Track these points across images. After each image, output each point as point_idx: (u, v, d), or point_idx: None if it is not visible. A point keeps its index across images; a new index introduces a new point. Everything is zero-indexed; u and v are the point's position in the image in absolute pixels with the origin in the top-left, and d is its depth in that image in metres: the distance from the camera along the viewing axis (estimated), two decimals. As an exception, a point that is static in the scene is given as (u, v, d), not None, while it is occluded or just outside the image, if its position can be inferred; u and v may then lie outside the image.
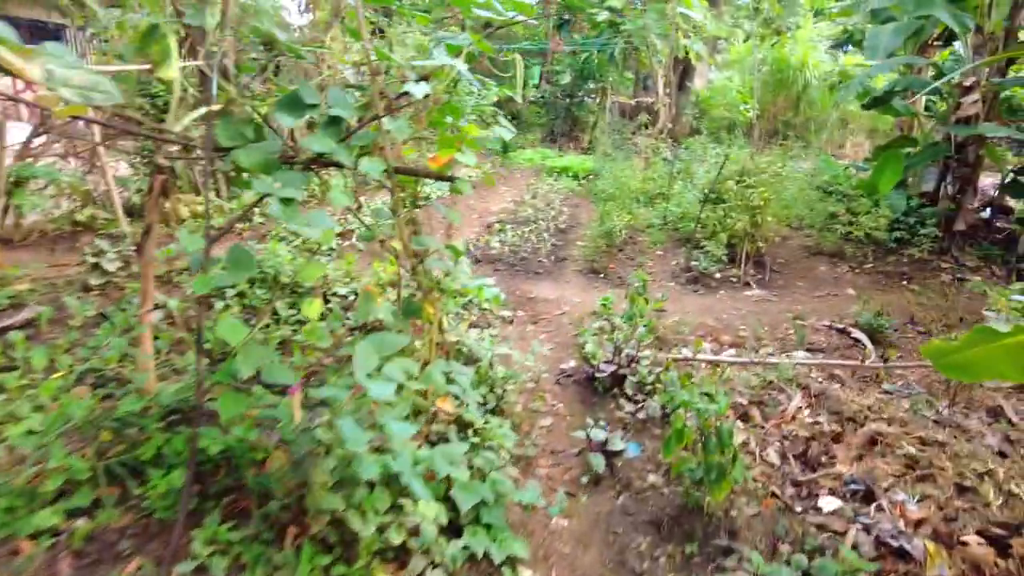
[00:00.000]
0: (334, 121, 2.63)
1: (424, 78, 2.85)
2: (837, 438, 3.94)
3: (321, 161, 2.70)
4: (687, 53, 17.26)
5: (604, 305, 5.65)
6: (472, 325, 5.09)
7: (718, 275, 7.24)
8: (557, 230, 8.81)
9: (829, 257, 8.23)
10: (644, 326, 4.28)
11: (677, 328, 5.64)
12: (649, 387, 3.98)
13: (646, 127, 13.80)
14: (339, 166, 2.69)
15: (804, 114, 24.74)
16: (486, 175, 3.62)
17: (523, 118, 21.35)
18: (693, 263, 7.36)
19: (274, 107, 2.58)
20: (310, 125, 2.74)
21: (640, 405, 3.83)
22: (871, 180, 7.50)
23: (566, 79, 20.94)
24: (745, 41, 23.52)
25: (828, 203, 8.81)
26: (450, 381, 3.18)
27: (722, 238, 7.49)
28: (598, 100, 20.34)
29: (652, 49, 16.72)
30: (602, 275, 7.10)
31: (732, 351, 5.33)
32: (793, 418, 4.15)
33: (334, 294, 5.21)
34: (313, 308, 2.80)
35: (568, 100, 19.36)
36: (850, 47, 26.14)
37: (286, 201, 2.39)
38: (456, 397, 3.27)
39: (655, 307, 4.95)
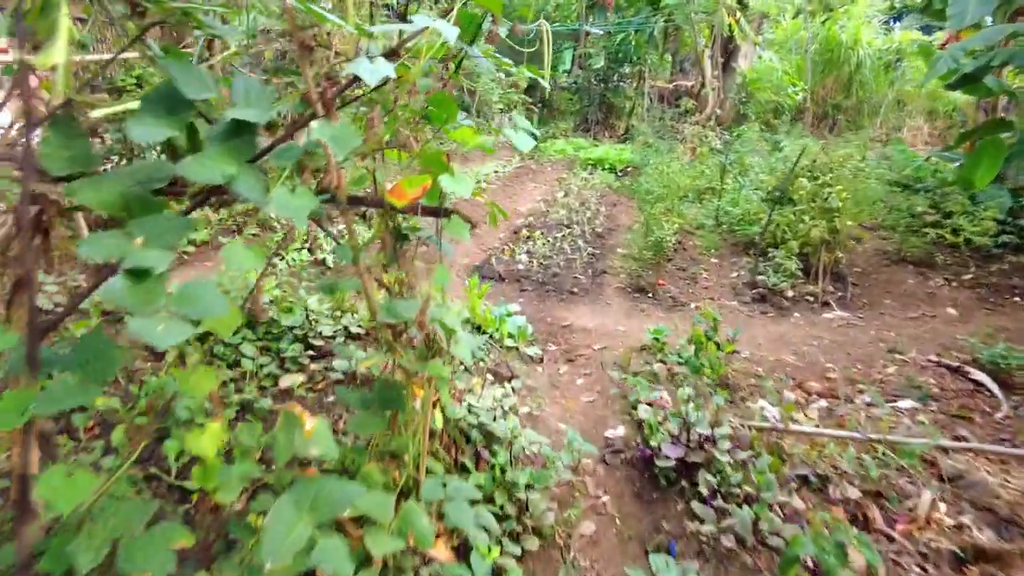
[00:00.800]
0: (239, 129, 1.58)
1: (394, 53, 1.78)
2: (998, 557, 2.80)
3: (217, 194, 1.66)
4: (732, 31, 15.87)
5: (656, 339, 4.55)
6: (490, 372, 4.03)
7: (790, 292, 6.05)
8: (594, 235, 7.68)
9: (916, 266, 6.95)
10: (718, 397, 3.16)
11: (749, 368, 4.51)
12: (734, 487, 2.87)
13: (689, 113, 12.49)
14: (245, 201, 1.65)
15: (856, 96, 23.07)
16: (491, 210, 2.44)
17: (554, 105, 20.14)
18: (760, 277, 6.18)
19: (133, 111, 1.53)
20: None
21: (721, 516, 2.72)
22: (965, 173, 6.22)
23: (599, 63, 19.67)
24: (794, 18, 21.86)
25: (912, 201, 7.50)
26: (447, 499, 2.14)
27: (792, 246, 6.29)
28: (634, 85, 19.02)
29: (696, 28, 15.36)
30: (649, 294, 5.97)
31: (823, 403, 4.18)
32: (928, 521, 3.01)
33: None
34: (206, 441, 1.70)
35: (602, 85, 18.08)
36: (900, 21, 24.22)
37: (137, 274, 1.36)
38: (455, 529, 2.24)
39: (727, 350, 3.84)
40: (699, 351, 3.67)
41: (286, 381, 3.56)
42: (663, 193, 7.41)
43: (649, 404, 3.50)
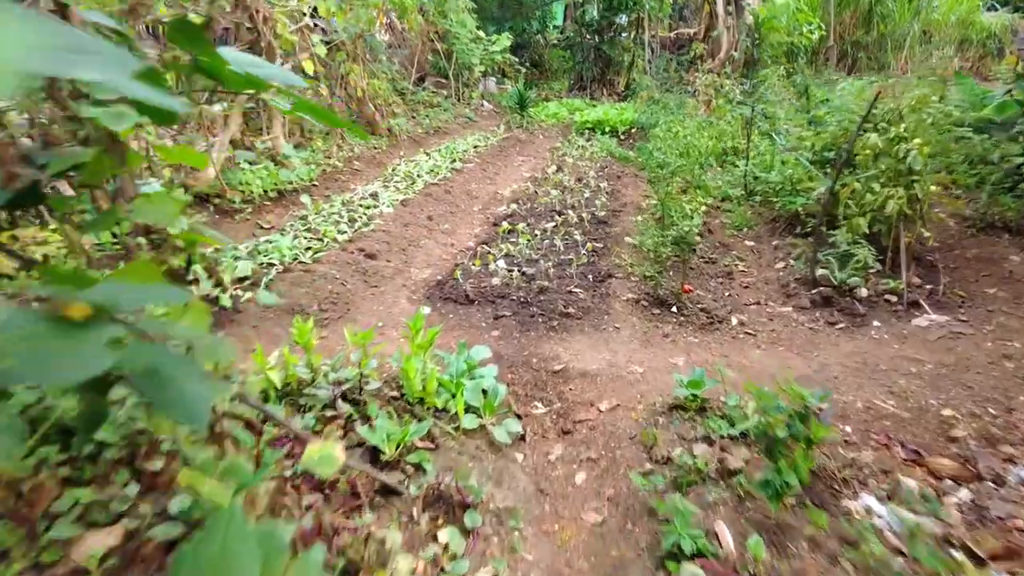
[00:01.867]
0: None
1: None
2: None
3: None
4: (740, -35, 13.98)
5: (693, 395, 3.03)
6: (427, 502, 2.49)
7: (864, 291, 4.47)
8: (594, 222, 6.08)
9: (1014, 236, 5.33)
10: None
11: (833, 429, 2.97)
12: None
13: (700, 59, 10.71)
14: None
15: (878, 30, 21.04)
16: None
17: (545, 64, 18.29)
18: (821, 272, 4.59)
19: None
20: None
21: None
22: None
23: (593, 13, 17.74)
24: (805, -53, 19.69)
25: (1004, 149, 5.81)
26: None
27: (859, 224, 4.68)
28: (633, 35, 17.12)
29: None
30: (673, 306, 4.39)
31: (963, 493, 2.65)
32: None
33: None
34: None
35: (597, 38, 16.20)
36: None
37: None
38: None
39: (818, 437, 2.30)
40: (778, 448, 2.14)
41: None
42: (679, 164, 5.75)
43: (696, 560, 1.97)
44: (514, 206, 6.39)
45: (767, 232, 5.97)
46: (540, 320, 4.04)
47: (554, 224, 5.92)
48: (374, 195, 6.63)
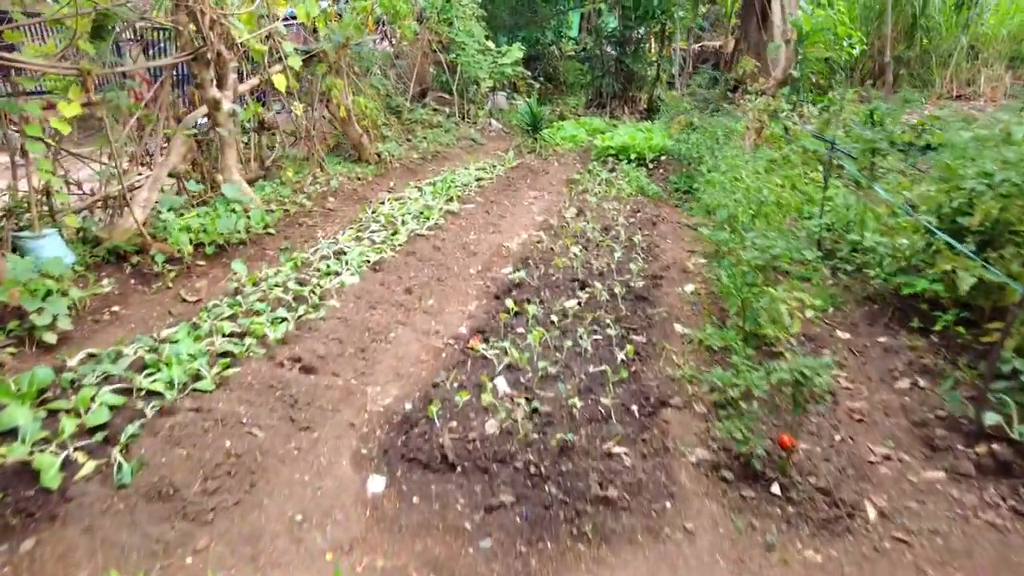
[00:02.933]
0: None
1: None
2: None
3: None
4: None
5: None
6: None
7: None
8: (631, 298, 4.50)
9: None
10: None
11: None
12: None
13: (749, 78, 9.13)
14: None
15: (921, 44, 19.49)
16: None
17: (560, 78, 16.75)
18: (991, 418, 2.98)
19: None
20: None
21: None
22: None
23: (612, 24, 16.24)
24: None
25: None
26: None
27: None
28: (658, 48, 15.59)
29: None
30: (771, 481, 2.78)
31: None
32: None
33: None
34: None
35: (620, 50, 14.66)
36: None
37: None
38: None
39: None
40: None
41: None
42: (770, 246, 4.08)
43: None
44: (522, 273, 4.81)
45: (864, 319, 4.37)
46: (561, 515, 2.45)
47: (577, 303, 4.34)
48: (339, 253, 5.08)
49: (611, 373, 3.40)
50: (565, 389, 3.25)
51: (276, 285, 4.37)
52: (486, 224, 6.24)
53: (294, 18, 8.14)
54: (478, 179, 7.94)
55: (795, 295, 3.46)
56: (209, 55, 5.74)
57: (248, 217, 5.61)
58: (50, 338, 3.71)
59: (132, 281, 4.78)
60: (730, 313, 3.96)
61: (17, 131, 4.60)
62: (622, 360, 3.60)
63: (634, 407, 3.19)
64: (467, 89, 12.15)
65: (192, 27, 5.63)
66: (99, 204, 5.64)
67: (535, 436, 2.84)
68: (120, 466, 2.50)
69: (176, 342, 3.49)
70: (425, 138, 10.11)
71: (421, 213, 6.22)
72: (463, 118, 11.82)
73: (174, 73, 6.65)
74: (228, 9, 5.85)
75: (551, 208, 6.92)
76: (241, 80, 6.89)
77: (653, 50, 16.45)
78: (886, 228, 4.78)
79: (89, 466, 2.51)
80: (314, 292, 4.26)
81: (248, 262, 5.14)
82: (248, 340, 3.53)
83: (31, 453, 2.53)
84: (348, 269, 4.69)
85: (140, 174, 5.94)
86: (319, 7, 7.64)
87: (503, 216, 6.57)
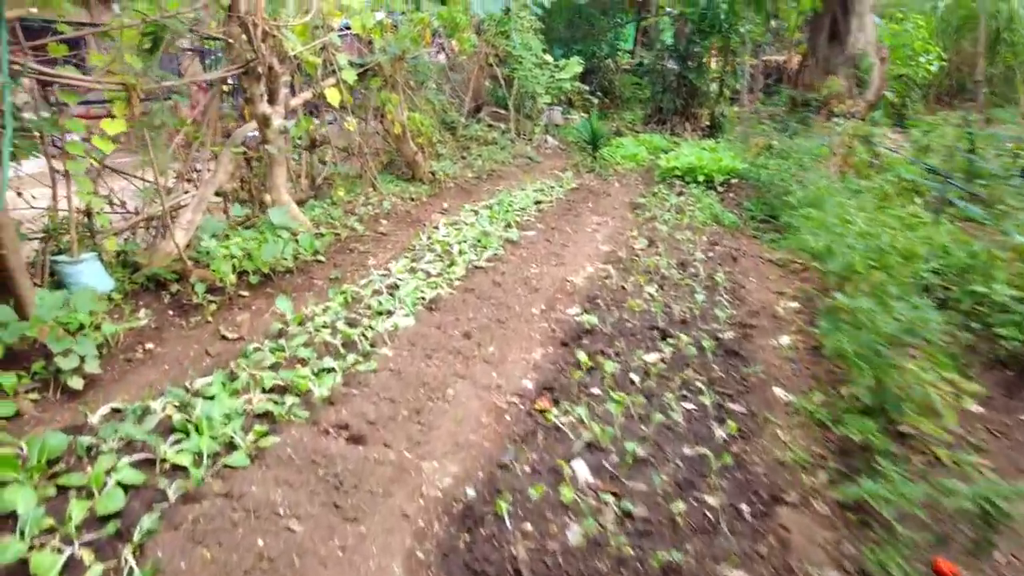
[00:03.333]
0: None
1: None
2: None
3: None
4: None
5: None
6: None
7: None
8: (721, 352, 3.93)
9: None
10: None
11: None
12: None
13: (836, 98, 8.44)
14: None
15: (1004, 61, 18.41)
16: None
17: (616, 92, 16.18)
18: None
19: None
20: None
21: None
22: None
23: (670, 37, 15.65)
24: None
25: None
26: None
27: None
28: (722, 62, 14.90)
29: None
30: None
31: None
32: None
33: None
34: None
35: (682, 64, 14.02)
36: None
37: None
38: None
39: None
40: None
41: None
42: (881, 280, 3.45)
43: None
44: (592, 317, 4.27)
45: (999, 388, 3.70)
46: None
47: (659, 358, 3.78)
48: (392, 288, 4.64)
49: (712, 457, 2.84)
50: (659, 480, 2.70)
51: (324, 326, 3.94)
52: (548, 254, 5.73)
53: (348, 28, 7.84)
54: (537, 202, 7.45)
55: (943, 374, 2.83)
56: (260, 69, 5.40)
57: (296, 242, 5.23)
58: (76, 384, 3.34)
59: (170, 312, 4.42)
60: (849, 383, 3.35)
61: (59, 148, 4.31)
62: (723, 439, 3.03)
63: (743, 505, 2.62)
64: (523, 104, 11.72)
65: (244, 39, 5.30)
66: (142, 225, 5.34)
67: (630, 552, 2.29)
68: (131, 573, 2.06)
69: (210, 398, 3.07)
70: (480, 155, 9.70)
71: (479, 241, 5.75)
72: (519, 134, 11.38)
73: (227, 84, 6.37)
74: (281, 20, 5.51)
75: (617, 236, 6.37)
76: (293, 94, 6.57)
77: (715, 65, 15.78)
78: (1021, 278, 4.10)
79: (96, 570, 2.07)
80: (365, 335, 3.81)
81: (294, 294, 4.75)
82: (290, 399, 3.08)
83: (30, 549, 2.11)
84: (402, 308, 4.24)
85: (187, 192, 5.63)
86: (374, 18, 7.30)
87: (566, 245, 6.05)
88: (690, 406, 3.31)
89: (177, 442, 2.72)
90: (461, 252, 5.40)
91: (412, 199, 7.50)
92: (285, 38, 5.51)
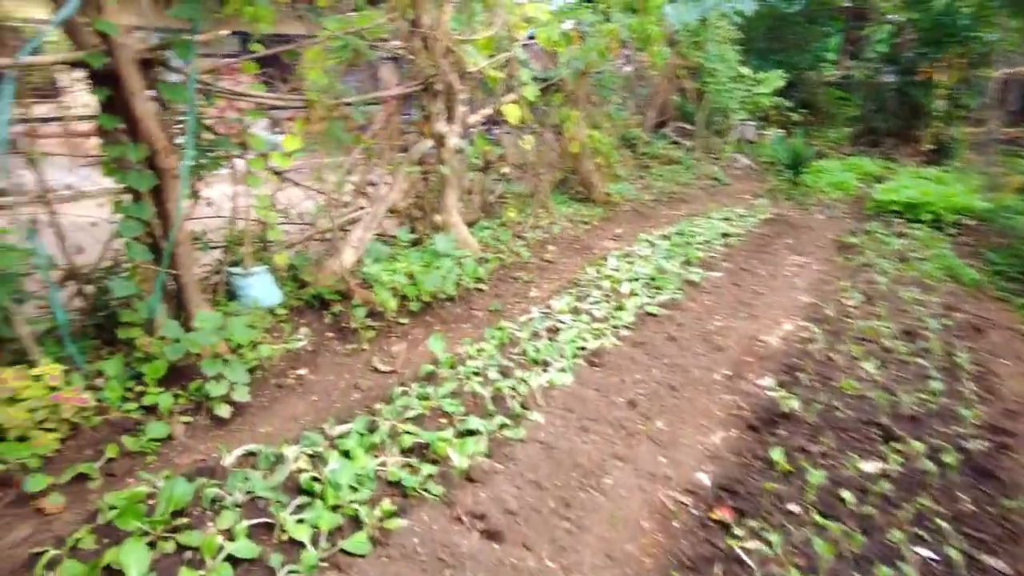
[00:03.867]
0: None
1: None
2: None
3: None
4: None
5: None
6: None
7: None
8: (966, 470, 2.97)
9: None
10: None
11: None
12: None
13: None
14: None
15: None
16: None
17: (819, 107, 14.52)
18: None
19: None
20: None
21: None
22: None
23: (883, 47, 13.67)
24: None
25: None
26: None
27: None
28: (959, 75, 12.74)
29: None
30: None
31: None
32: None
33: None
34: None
35: (901, 77, 12.19)
36: None
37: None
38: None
39: None
40: None
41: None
42: None
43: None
44: (790, 396, 3.49)
45: None
46: None
47: (882, 468, 2.93)
48: (552, 331, 4.18)
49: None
50: None
51: (475, 373, 3.57)
52: (735, 303, 4.95)
53: (531, 39, 7.58)
54: (724, 234, 6.62)
55: None
56: (439, 86, 5.22)
57: (461, 266, 4.97)
58: (223, 412, 3.26)
59: (329, 334, 4.32)
60: None
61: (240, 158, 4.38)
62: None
63: None
64: (713, 120, 10.79)
65: (424, 55, 5.15)
66: (316, 238, 5.39)
67: None
68: None
69: (345, 452, 2.79)
70: (661, 175, 9.00)
71: (652, 280, 5.12)
72: (705, 153, 10.49)
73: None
74: (465, 35, 5.29)
75: (822, 285, 5.39)
76: (471, 110, 6.37)
77: (943, 79, 13.58)
78: None
79: None
80: (516, 390, 3.38)
81: (452, 325, 4.47)
82: (426, 468, 2.71)
83: None
84: (560, 359, 3.75)
85: (361, 208, 5.61)
86: (560, 29, 6.92)
87: (758, 292, 5.21)
88: (927, 553, 2.46)
89: (300, 508, 2.45)
90: (632, 293, 4.81)
91: (583, 222, 7.03)
92: (466, 53, 5.28)
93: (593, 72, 8.00)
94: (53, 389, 3.01)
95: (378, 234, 5.25)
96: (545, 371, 3.61)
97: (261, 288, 4.39)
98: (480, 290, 5.04)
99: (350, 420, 3.15)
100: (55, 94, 4.80)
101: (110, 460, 2.91)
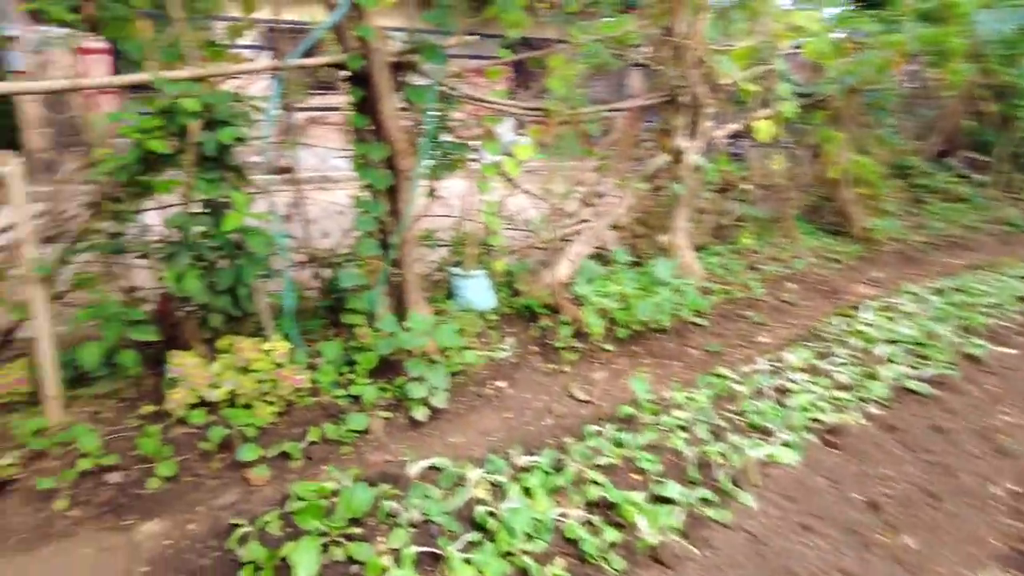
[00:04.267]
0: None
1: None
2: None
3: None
4: None
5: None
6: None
7: None
8: None
9: None
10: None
11: None
12: None
13: None
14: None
15: None
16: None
17: None
18: None
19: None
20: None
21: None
22: None
23: None
24: None
25: None
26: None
27: None
28: None
29: None
30: None
31: None
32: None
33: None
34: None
35: None
36: None
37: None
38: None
39: None
40: None
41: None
42: None
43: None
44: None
45: None
46: None
47: None
48: (781, 392, 3.57)
49: None
50: None
51: (681, 427, 3.15)
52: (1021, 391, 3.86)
53: (796, 48, 6.75)
54: (1021, 298, 5.28)
55: None
56: (685, 98, 4.81)
57: (679, 294, 4.54)
58: (419, 414, 3.26)
59: (532, 348, 4.18)
60: None
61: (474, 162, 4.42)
62: None
63: None
64: (1019, 153, 8.84)
65: (673, 64, 4.77)
66: (536, 247, 5.32)
67: None
68: None
69: (527, 489, 2.59)
70: (939, 214, 7.57)
71: (918, 345, 4.19)
72: (1004, 191, 8.63)
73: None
74: (721, 44, 4.82)
75: None
76: (717, 125, 5.84)
77: None
78: None
79: None
80: (728, 460, 2.89)
81: (660, 361, 4.08)
82: (609, 533, 2.39)
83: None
84: (787, 430, 3.16)
85: (585, 220, 5.41)
86: (830, 39, 6.04)
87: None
88: None
89: (470, 546, 2.29)
90: (889, 360, 3.96)
91: (834, 260, 6.11)
92: (719, 64, 4.80)
93: (866, 89, 6.94)
94: (278, 366, 3.25)
95: (596, 249, 5.02)
96: (766, 441, 3.06)
97: (477, 291, 4.41)
98: (698, 325, 4.55)
99: (537, 451, 2.94)
100: (331, 88, 5.30)
101: (312, 443, 3.03)
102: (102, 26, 3.34)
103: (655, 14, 4.89)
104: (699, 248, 5.61)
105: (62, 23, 3.35)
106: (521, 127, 9.31)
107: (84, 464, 2.73)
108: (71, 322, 3.13)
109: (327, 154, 4.96)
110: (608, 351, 4.13)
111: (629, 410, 3.33)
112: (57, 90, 3.16)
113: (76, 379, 3.18)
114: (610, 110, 4.96)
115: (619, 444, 3.01)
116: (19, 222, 2.93)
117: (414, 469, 2.76)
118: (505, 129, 5.16)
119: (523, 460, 2.85)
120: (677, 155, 5.06)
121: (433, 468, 2.80)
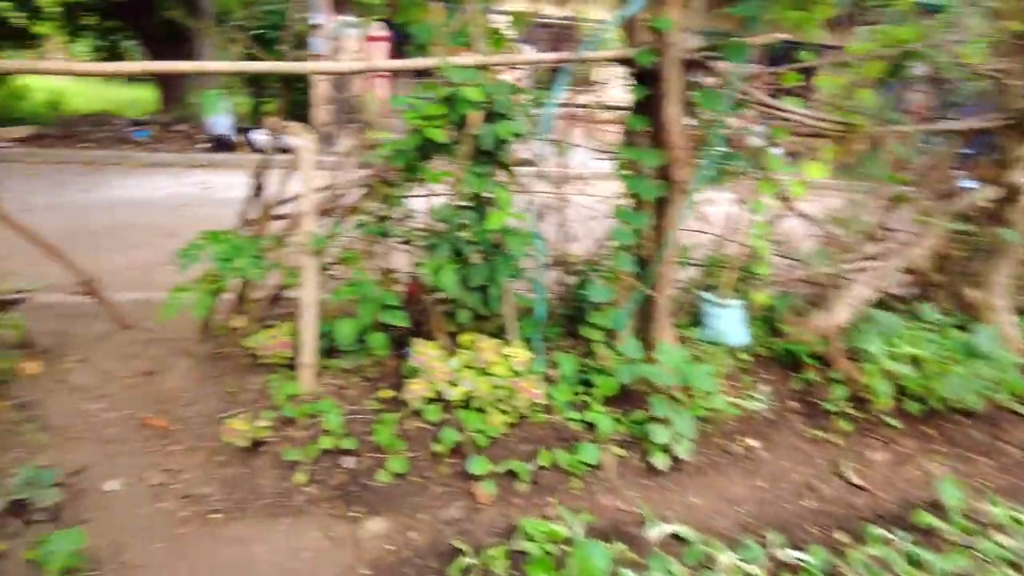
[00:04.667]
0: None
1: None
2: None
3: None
4: None
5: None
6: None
7: None
8: None
9: None
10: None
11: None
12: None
13: None
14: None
15: None
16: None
17: None
18: None
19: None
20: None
21: None
22: None
23: None
24: None
25: None
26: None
27: None
28: None
29: None
30: None
31: None
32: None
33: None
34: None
35: None
36: None
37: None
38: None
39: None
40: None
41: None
42: None
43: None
44: None
45: None
46: None
47: None
48: None
49: None
50: None
51: (1006, 560, 2.37)
52: None
53: None
54: None
55: None
56: None
57: (994, 369, 3.57)
58: (660, 462, 2.86)
59: (792, 404, 3.55)
60: None
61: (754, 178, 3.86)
62: None
63: None
64: None
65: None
66: (804, 281, 4.59)
67: None
68: None
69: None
70: None
71: None
72: None
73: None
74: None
75: None
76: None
77: None
78: None
79: None
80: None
81: (962, 454, 3.24)
82: None
83: None
84: None
85: (870, 258, 4.55)
86: None
87: None
88: None
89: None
90: None
91: None
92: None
93: None
94: (516, 374, 3.05)
95: (881, 294, 4.17)
96: None
97: (729, 323, 3.86)
98: (1019, 414, 3.55)
99: (803, 546, 2.38)
100: (594, 86, 5.04)
101: (541, 467, 2.79)
102: (398, 10, 3.37)
103: (1012, 12, 3.89)
104: (1020, 312, 4.45)
105: (362, 8, 3.44)
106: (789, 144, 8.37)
107: (325, 442, 2.76)
108: (333, 294, 3.22)
109: (583, 154, 4.73)
110: (893, 427, 3.36)
111: (929, 519, 2.60)
112: (354, 72, 3.25)
113: (327, 351, 3.28)
114: (937, 131, 4.07)
115: (916, 563, 2.33)
116: (305, 193, 3.06)
117: (654, 532, 2.37)
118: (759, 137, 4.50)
119: (785, 554, 2.32)
120: (1013, 192, 4.01)
121: (676, 537, 2.39)
